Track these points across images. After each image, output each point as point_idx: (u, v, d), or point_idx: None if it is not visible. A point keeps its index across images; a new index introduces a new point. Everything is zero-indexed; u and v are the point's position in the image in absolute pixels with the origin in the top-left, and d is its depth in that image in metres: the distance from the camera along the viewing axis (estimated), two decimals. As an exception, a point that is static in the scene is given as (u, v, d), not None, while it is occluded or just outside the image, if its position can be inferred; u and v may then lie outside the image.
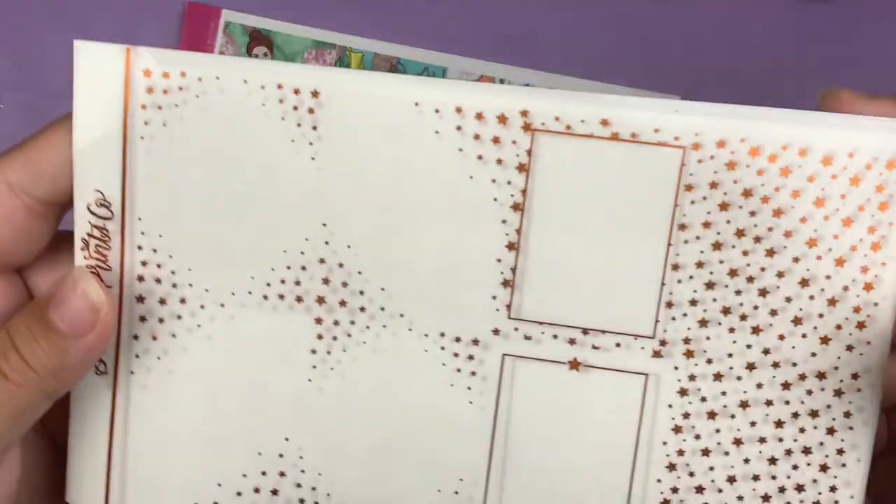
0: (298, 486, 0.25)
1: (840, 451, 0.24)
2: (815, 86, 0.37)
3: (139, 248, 0.24)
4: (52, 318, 0.22)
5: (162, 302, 0.24)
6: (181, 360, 0.25)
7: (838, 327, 0.23)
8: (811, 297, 0.23)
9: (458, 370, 0.24)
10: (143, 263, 0.24)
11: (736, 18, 0.38)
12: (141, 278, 0.24)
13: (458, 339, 0.24)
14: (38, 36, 0.37)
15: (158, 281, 0.24)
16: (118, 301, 0.24)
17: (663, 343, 0.24)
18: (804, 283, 0.23)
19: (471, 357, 0.24)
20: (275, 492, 0.25)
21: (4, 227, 0.24)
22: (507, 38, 0.34)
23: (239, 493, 0.25)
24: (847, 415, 0.23)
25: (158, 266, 0.24)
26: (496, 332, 0.24)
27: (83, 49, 0.23)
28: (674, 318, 0.23)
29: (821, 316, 0.23)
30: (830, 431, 0.24)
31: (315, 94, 0.23)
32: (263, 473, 0.25)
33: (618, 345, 0.24)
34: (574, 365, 0.24)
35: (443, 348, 0.24)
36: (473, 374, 0.24)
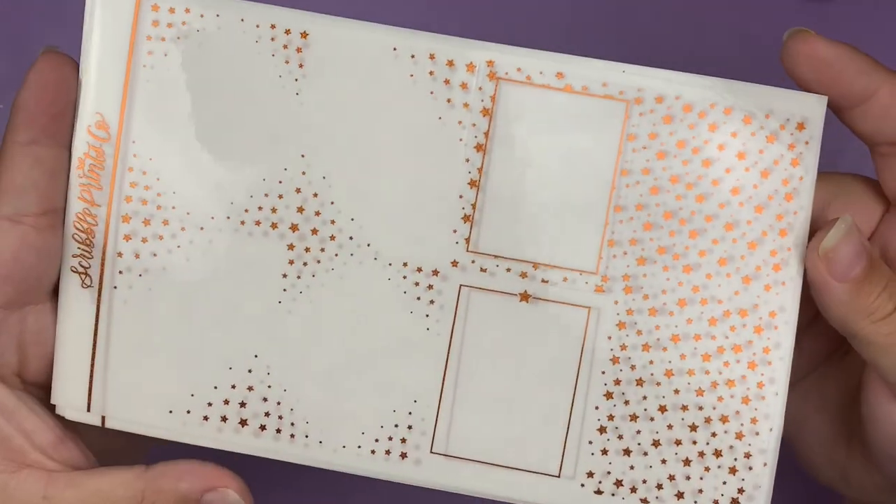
0: (265, 399, 0.27)
1: (760, 385, 0.27)
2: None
3: (130, 169, 0.27)
4: None
5: (146, 222, 0.27)
6: (160, 279, 0.27)
7: (758, 268, 0.27)
8: (734, 241, 0.27)
9: (418, 298, 0.27)
10: (132, 185, 0.27)
11: (736, 18, 0.40)
12: (128, 198, 0.27)
13: (419, 270, 0.27)
14: (38, 36, 0.39)
15: (144, 202, 0.27)
16: (106, 218, 0.27)
17: (605, 279, 0.27)
18: (729, 227, 0.27)
19: (430, 287, 0.27)
20: (243, 404, 0.27)
21: (28, 254, 0.26)
22: (507, 36, 0.37)
23: (210, 404, 0.27)
24: (766, 350, 0.27)
25: (146, 188, 0.27)
26: (455, 264, 0.27)
27: None
28: (615, 256, 0.27)
29: (743, 258, 0.27)
30: (751, 366, 0.27)
31: (304, 34, 0.26)
32: (233, 387, 0.27)
33: (564, 279, 0.27)
34: (524, 297, 0.27)
35: (405, 277, 0.27)
36: (432, 302, 0.27)
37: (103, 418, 0.28)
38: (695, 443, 0.27)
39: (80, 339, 0.27)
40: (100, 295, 0.27)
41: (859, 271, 0.26)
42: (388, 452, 0.27)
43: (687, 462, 0.27)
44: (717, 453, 0.27)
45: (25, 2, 0.39)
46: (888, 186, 0.28)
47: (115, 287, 0.27)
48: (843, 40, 0.39)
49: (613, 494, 0.27)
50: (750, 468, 0.27)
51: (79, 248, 0.27)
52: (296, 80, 0.26)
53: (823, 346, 0.30)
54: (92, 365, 0.27)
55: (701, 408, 0.27)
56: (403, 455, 0.27)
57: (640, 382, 0.27)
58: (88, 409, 0.28)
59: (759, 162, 0.26)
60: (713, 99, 0.26)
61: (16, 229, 0.26)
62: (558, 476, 0.27)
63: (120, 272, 0.27)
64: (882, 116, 0.26)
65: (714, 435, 0.27)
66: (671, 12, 0.40)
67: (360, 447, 0.27)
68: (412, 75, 0.26)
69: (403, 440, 0.27)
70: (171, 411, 0.28)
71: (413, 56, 0.26)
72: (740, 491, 0.27)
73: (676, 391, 0.27)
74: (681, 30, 0.40)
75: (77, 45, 0.39)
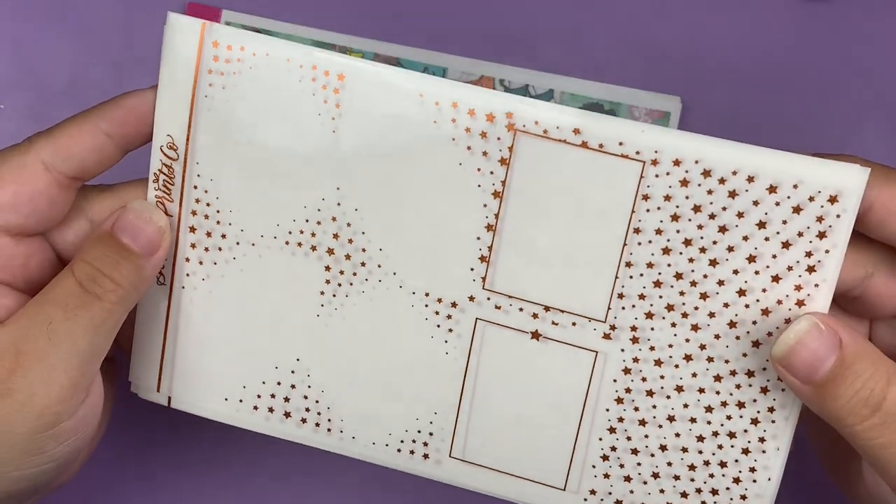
0: (305, 397, 0.32)
1: (762, 440, 0.29)
2: (814, 86, 0.38)
3: (195, 187, 0.31)
4: (127, 244, 0.30)
5: (208, 234, 0.32)
6: (219, 284, 0.32)
7: (769, 334, 0.28)
8: (746, 306, 0.27)
9: (438, 326, 0.30)
10: (197, 200, 0.31)
11: (736, 18, 0.39)
12: (194, 212, 0.31)
13: (439, 300, 0.30)
14: (38, 36, 0.40)
15: (207, 217, 0.31)
16: (177, 226, 0.32)
17: (613, 328, 0.29)
18: (741, 292, 0.27)
19: (449, 316, 0.30)
20: (286, 399, 0.33)
21: (42, 198, 0.31)
22: (507, 38, 0.36)
23: (258, 396, 0.33)
24: (771, 410, 0.28)
25: (208, 204, 0.31)
26: (471, 298, 0.30)
27: (173, 20, 0.30)
28: (623, 308, 0.29)
29: (754, 323, 0.28)
30: (755, 422, 0.29)
31: (341, 77, 0.29)
32: (278, 383, 0.33)
33: (574, 324, 0.29)
34: (535, 335, 0.30)
35: (426, 305, 0.30)
36: (450, 330, 0.30)
37: (169, 399, 0.34)
38: (692, 480, 0.30)
39: (155, 329, 0.33)
40: (171, 292, 0.33)
41: (823, 374, 0.26)
42: (412, 452, 0.32)
43: (684, 495, 0.30)
44: (714, 492, 0.29)
45: (26, 2, 0.40)
46: None
47: (183, 287, 0.32)
48: (843, 40, 0.39)
49: (614, 513, 0.31)
50: (747, 510, 0.29)
51: None
52: (333, 118, 0.29)
53: None
54: (163, 352, 0.33)
55: (700, 451, 0.29)
56: (426, 456, 0.32)
57: (642, 423, 0.29)
58: (158, 390, 0.34)
59: (780, 232, 0.27)
60: (736, 166, 0.26)
61: (45, 176, 0.30)
62: (563, 490, 0.31)
63: (187, 275, 0.32)
64: (883, 224, 0.27)
65: (712, 476, 0.29)
66: (670, 11, 0.39)
67: (387, 445, 0.32)
68: (436, 121, 0.28)
69: (426, 444, 0.32)
70: (226, 399, 0.33)
71: (437, 103, 0.28)
72: None
73: (677, 434, 0.29)
74: (679, 29, 0.39)
75: (76, 44, 0.41)
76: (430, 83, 0.28)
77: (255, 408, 0.33)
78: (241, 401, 0.33)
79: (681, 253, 0.28)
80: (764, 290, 0.27)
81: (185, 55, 0.30)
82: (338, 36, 0.37)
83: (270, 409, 0.33)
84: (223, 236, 0.31)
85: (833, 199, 0.26)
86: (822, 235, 0.26)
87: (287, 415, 0.33)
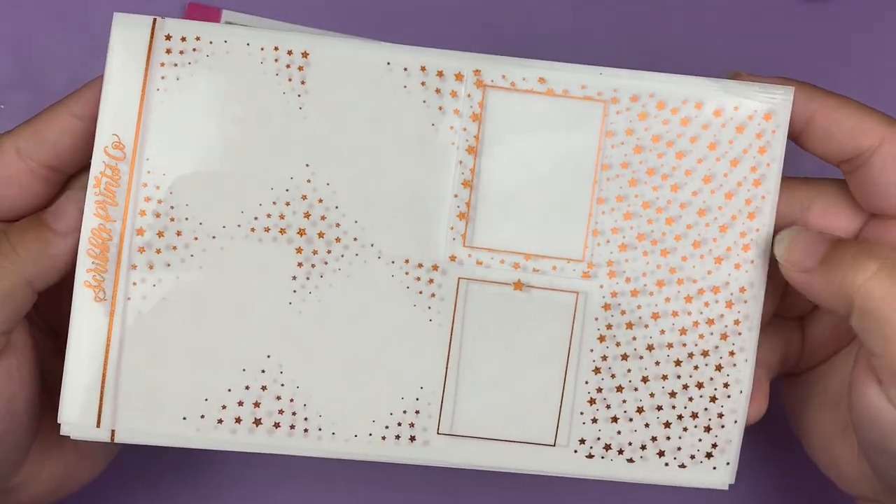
0: (278, 398, 0.31)
1: (731, 353, 0.32)
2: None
3: (144, 185, 0.30)
4: (46, 218, 0.30)
5: (160, 234, 0.31)
6: (174, 288, 0.31)
7: (728, 249, 0.32)
8: (707, 225, 0.31)
9: (420, 292, 0.31)
10: (146, 199, 0.30)
11: (736, 18, 0.42)
12: (143, 212, 0.30)
13: (420, 266, 0.31)
14: (38, 36, 0.41)
15: (158, 215, 0.30)
16: (121, 232, 0.30)
17: (591, 266, 0.32)
18: (701, 212, 0.31)
19: (431, 281, 0.31)
20: (257, 404, 0.31)
21: (11, 186, 0.31)
22: (506, 38, 0.39)
23: (224, 407, 0.31)
24: (736, 322, 0.32)
25: (159, 202, 0.30)
26: (453, 258, 0.31)
27: (119, 19, 0.30)
28: (599, 245, 0.32)
29: (715, 240, 0.32)
30: (723, 337, 0.32)
31: (305, 54, 0.30)
32: (247, 388, 0.31)
33: (554, 268, 0.32)
34: (518, 286, 0.32)
35: (407, 273, 0.31)
36: (433, 295, 0.31)
37: (113, 433, 0.31)
38: (674, 407, 0.32)
39: (92, 353, 0.31)
40: (113, 307, 0.31)
41: (822, 252, 0.30)
42: (397, 437, 0.32)
43: (667, 425, 0.32)
44: (694, 415, 0.32)
45: (25, 2, 0.41)
46: (860, 201, 0.32)
47: (129, 298, 0.31)
48: (843, 40, 0.42)
49: (603, 457, 0.32)
50: (722, 426, 0.32)
51: (93, 262, 0.30)
52: (298, 95, 0.30)
53: (830, 339, 0.34)
54: (103, 379, 0.31)
55: (679, 376, 0.32)
56: (412, 438, 0.32)
57: (624, 357, 0.32)
58: (98, 425, 0.31)
59: (728, 152, 0.31)
60: (685, 95, 0.31)
61: (16, 162, 0.31)
62: (553, 445, 0.32)
63: (134, 284, 0.31)
64: (825, 136, 0.31)
65: (691, 399, 0.32)
66: (669, 11, 0.42)
67: (371, 435, 0.32)
68: (406, 86, 0.30)
69: (412, 424, 0.32)
70: (184, 418, 0.31)
71: (406, 69, 0.30)
72: (714, 446, 0.32)
73: (657, 363, 0.32)
74: (679, 29, 0.42)
75: (76, 44, 0.42)
76: (397, 51, 0.30)
77: (220, 421, 0.31)
78: (202, 416, 0.31)
79: (645, 183, 0.31)
80: (720, 208, 0.31)
81: (134, 53, 0.30)
82: (337, 36, 0.38)
83: (238, 420, 0.31)
84: (178, 233, 0.31)
85: (768, 117, 0.31)
86: (762, 150, 0.31)
87: (257, 422, 0.31)
